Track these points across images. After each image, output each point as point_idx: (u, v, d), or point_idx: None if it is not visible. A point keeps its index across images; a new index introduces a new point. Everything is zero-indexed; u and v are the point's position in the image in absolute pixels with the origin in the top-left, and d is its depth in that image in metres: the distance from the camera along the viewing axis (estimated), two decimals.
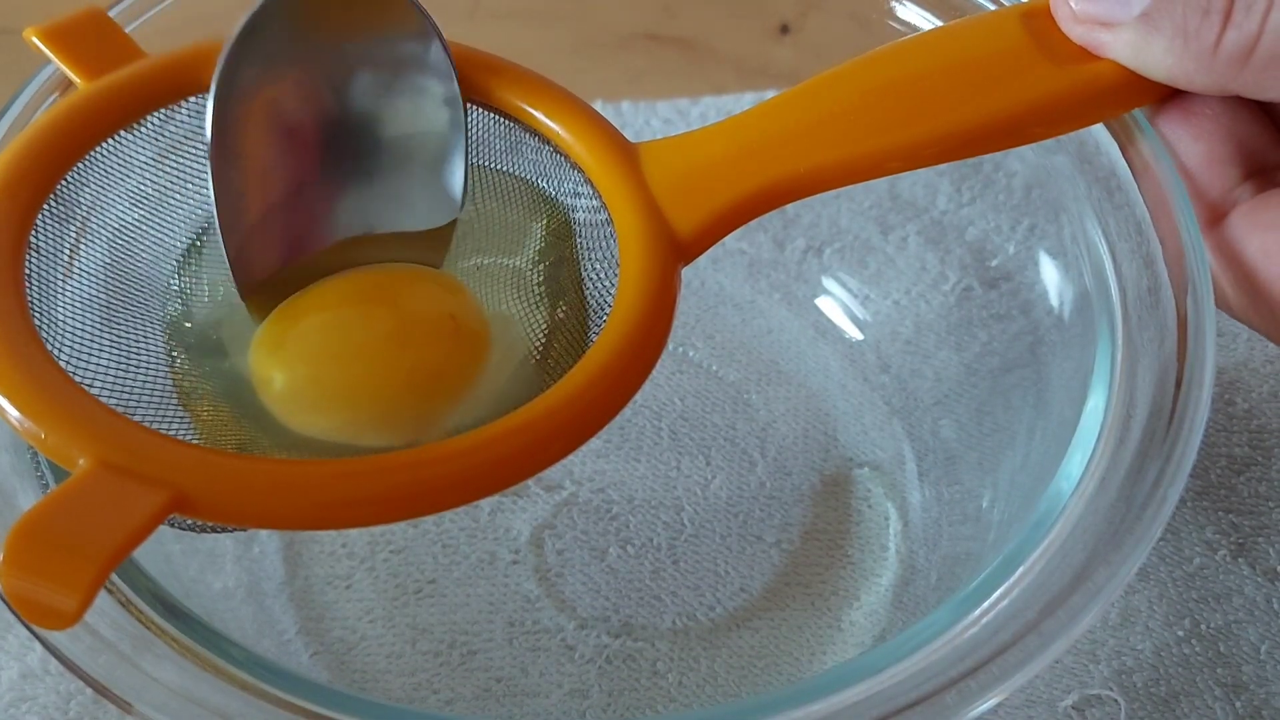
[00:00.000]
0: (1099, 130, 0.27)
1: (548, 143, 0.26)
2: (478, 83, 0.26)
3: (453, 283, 0.26)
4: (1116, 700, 0.30)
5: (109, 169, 0.25)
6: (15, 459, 0.23)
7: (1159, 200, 0.26)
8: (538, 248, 0.27)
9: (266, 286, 0.25)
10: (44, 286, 0.23)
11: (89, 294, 0.24)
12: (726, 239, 0.25)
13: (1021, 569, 0.22)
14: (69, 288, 0.24)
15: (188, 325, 0.25)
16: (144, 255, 0.25)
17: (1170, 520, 0.24)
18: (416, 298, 0.26)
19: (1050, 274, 0.31)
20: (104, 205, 0.25)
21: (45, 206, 0.23)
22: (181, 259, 0.26)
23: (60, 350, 0.22)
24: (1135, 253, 0.26)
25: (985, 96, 0.25)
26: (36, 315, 0.22)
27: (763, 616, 0.32)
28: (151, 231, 0.26)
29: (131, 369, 0.24)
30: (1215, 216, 0.26)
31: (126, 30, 0.26)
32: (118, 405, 0.22)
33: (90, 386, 0.22)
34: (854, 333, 0.37)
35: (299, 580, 0.33)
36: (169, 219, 0.26)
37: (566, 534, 0.33)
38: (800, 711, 0.21)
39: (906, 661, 0.21)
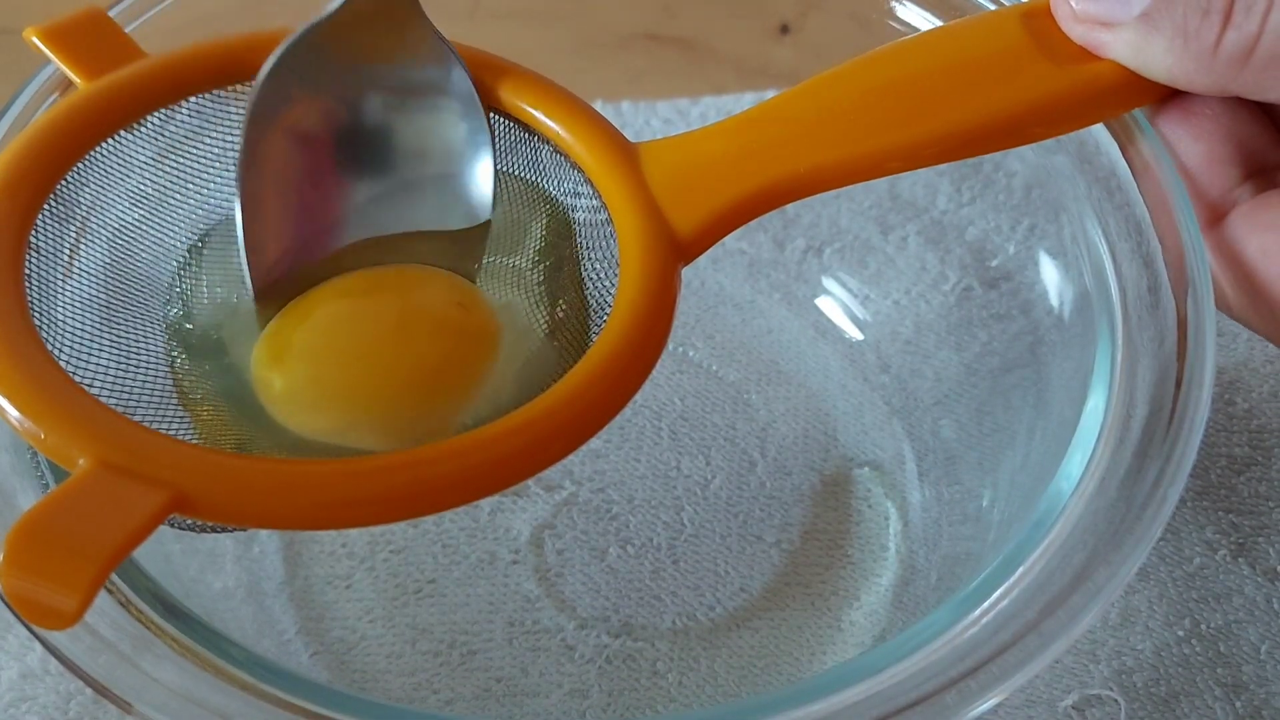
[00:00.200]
0: (1099, 130, 0.27)
1: (547, 142, 0.26)
2: (478, 83, 0.26)
3: (461, 283, 0.26)
4: (1116, 700, 0.30)
5: (109, 169, 0.25)
6: (15, 459, 0.23)
7: (1159, 200, 0.26)
8: (538, 248, 0.27)
9: (279, 289, 0.25)
10: (44, 286, 0.23)
11: (89, 294, 0.24)
12: (726, 239, 0.25)
13: (1021, 569, 0.22)
14: (69, 288, 0.24)
15: (188, 325, 0.25)
16: (144, 255, 0.25)
17: (1170, 520, 0.24)
18: (423, 297, 0.26)
19: (1050, 274, 0.31)
20: (104, 205, 0.25)
21: (45, 206, 0.23)
22: (183, 259, 0.26)
23: (60, 350, 0.22)
24: (1135, 253, 0.26)
25: (985, 96, 0.25)
26: (36, 315, 0.22)
27: (763, 616, 0.32)
28: (151, 231, 0.26)
29: (131, 369, 0.24)
30: (1215, 217, 0.26)
31: (126, 30, 0.26)
32: (118, 405, 0.22)
33: (90, 386, 0.22)
34: (854, 333, 0.37)
35: (299, 580, 0.33)
36: (169, 219, 0.26)
37: (566, 534, 0.33)
38: (800, 711, 0.21)
39: (906, 661, 0.21)
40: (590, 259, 0.25)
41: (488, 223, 0.26)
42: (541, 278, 0.27)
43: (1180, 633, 0.31)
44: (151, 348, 0.25)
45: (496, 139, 0.26)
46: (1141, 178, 0.26)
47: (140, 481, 0.19)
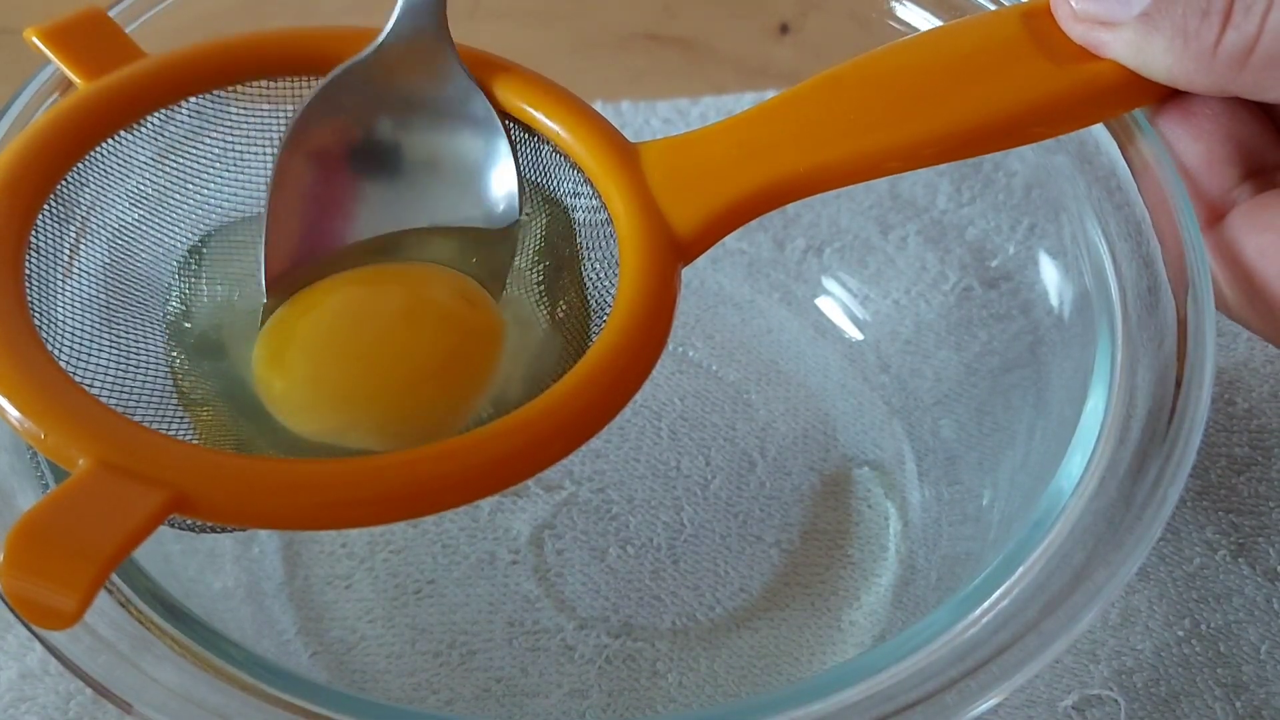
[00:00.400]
0: (1099, 130, 0.27)
1: (547, 142, 0.26)
2: (478, 82, 0.26)
3: (465, 280, 0.26)
4: (1116, 700, 0.30)
5: (109, 169, 0.25)
6: (15, 459, 0.23)
7: (1159, 200, 0.26)
8: (538, 248, 0.27)
9: (291, 285, 0.25)
10: (44, 286, 0.23)
11: (89, 294, 0.24)
12: (726, 239, 0.25)
13: (1021, 569, 0.22)
14: (69, 288, 0.24)
15: (188, 325, 0.25)
16: (144, 255, 0.25)
17: (1170, 520, 0.24)
18: (429, 294, 0.26)
19: (1050, 274, 0.31)
20: (104, 205, 0.25)
21: (45, 206, 0.23)
22: (183, 259, 0.26)
23: (60, 350, 0.22)
24: (1135, 253, 0.26)
25: (985, 96, 0.25)
26: (36, 315, 0.22)
27: (763, 616, 0.32)
28: (151, 231, 0.26)
29: (131, 369, 0.24)
30: (1214, 217, 0.26)
31: (126, 30, 0.26)
32: (118, 405, 0.23)
33: (90, 386, 0.22)
34: (854, 333, 0.37)
35: (298, 580, 0.33)
36: (169, 219, 0.26)
37: (566, 534, 0.33)
38: (800, 711, 0.21)
39: (906, 661, 0.21)
40: (590, 259, 0.25)
41: (513, 239, 0.27)
42: (541, 278, 0.27)
43: (1180, 633, 0.31)
44: (151, 348, 0.25)
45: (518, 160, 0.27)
46: (1141, 178, 0.26)
47: (140, 481, 0.19)
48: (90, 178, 0.24)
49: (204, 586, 0.31)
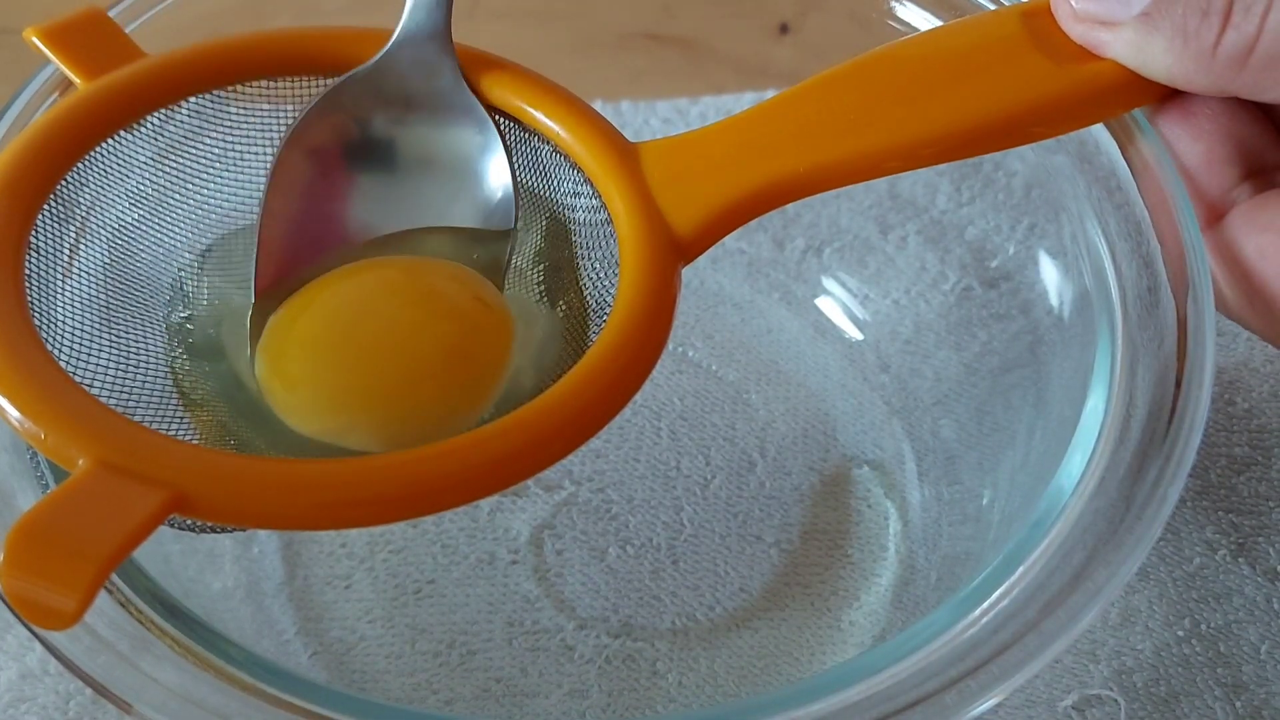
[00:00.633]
0: (1099, 130, 0.27)
1: (547, 142, 0.26)
2: (477, 82, 0.26)
3: (477, 277, 0.26)
4: (1116, 700, 0.30)
5: (109, 169, 0.25)
6: (15, 459, 0.23)
7: (1159, 200, 0.26)
8: (537, 247, 0.27)
9: (283, 290, 0.25)
10: (44, 286, 0.23)
11: (89, 294, 0.24)
12: (726, 239, 0.25)
13: (1021, 569, 0.22)
14: (69, 288, 0.24)
15: (188, 325, 0.25)
16: (144, 255, 0.25)
17: (1170, 520, 0.24)
18: (440, 291, 0.26)
19: (1050, 274, 0.31)
20: (104, 205, 0.25)
21: (45, 206, 0.23)
22: (186, 259, 0.26)
23: (60, 350, 0.22)
24: (1135, 253, 0.26)
25: (985, 96, 0.25)
26: (36, 315, 0.22)
27: (763, 616, 0.32)
28: (151, 231, 0.26)
29: (131, 369, 0.24)
30: (1213, 217, 0.26)
31: (126, 30, 0.26)
32: (118, 405, 0.23)
33: (90, 386, 0.22)
34: (854, 333, 0.37)
35: (298, 580, 0.33)
36: (169, 219, 0.26)
37: (566, 534, 0.33)
38: (800, 711, 0.21)
39: (906, 661, 0.21)
40: (590, 259, 0.25)
41: (510, 240, 0.27)
42: (541, 277, 0.27)
43: (1180, 633, 0.31)
44: (151, 348, 0.25)
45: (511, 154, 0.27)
46: (1141, 178, 0.26)
47: (140, 481, 0.19)
48: (90, 178, 0.24)
49: (204, 586, 0.31)
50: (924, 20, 0.30)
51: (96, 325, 0.24)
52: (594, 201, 0.25)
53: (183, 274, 0.26)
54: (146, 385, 0.24)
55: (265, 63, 0.26)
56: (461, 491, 0.21)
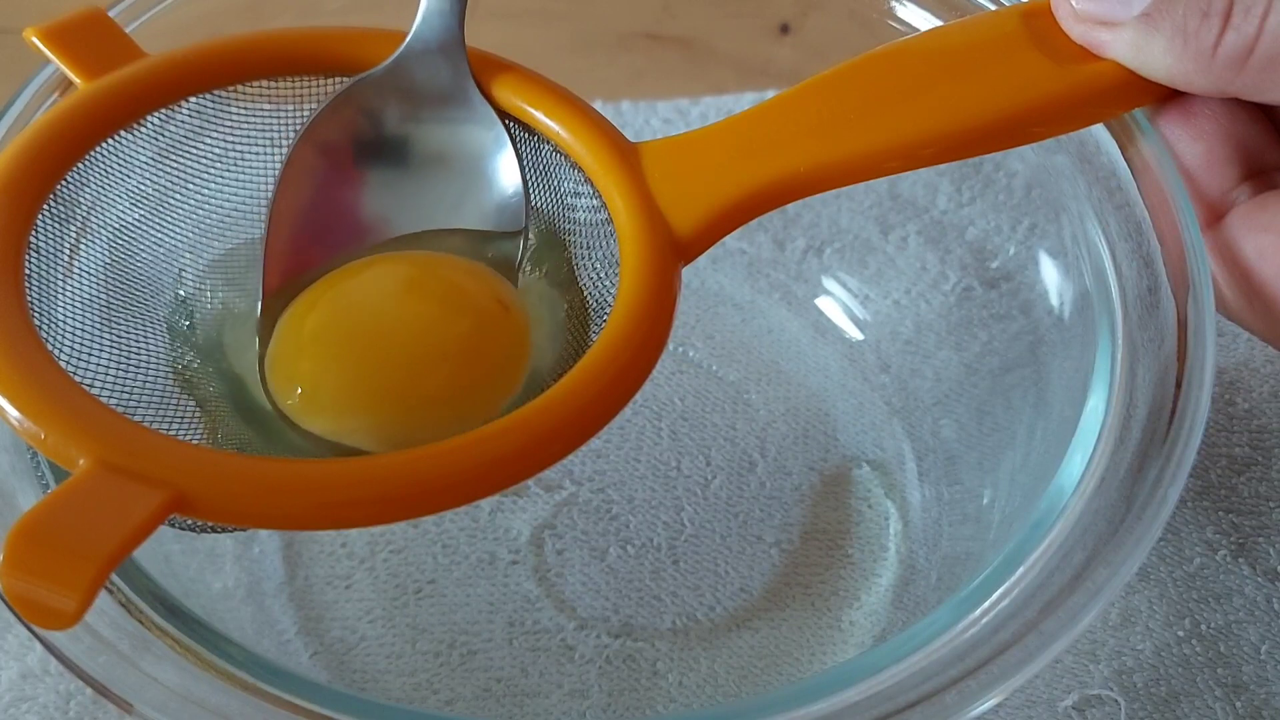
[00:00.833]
0: (1099, 130, 0.27)
1: (548, 142, 0.26)
2: (478, 82, 0.26)
3: (496, 276, 0.26)
4: (1116, 700, 0.30)
5: (109, 169, 0.25)
6: (15, 459, 0.23)
7: (1159, 200, 0.26)
8: (538, 247, 0.27)
9: (291, 290, 0.25)
10: (44, 286, 0.23)
11: (89, 294, 0.24)
12: (726, 239, 0.25)
13: (1022, 569, 0.22)
14: (69, 288, 0.24)
15: (189, 325, 0.25)
16: (144, 255, 0.25)
17: (1170, 520, 0.24)
18: (461, 291, 0.26)
19: (1050, 274, 0.31)
20: (104, 205, 0.25)
21: (45, 206, 0.23)
22: (185, 259, 0.26)
23: (60, 350, 0.22)
24: (1135, 253, 0.26)
25: (985, 96, 0.25)
26: (36, 315, 0.22)
27: (763, 616, 0.32)
28: (151, 231, 0.26)
29: (131, 369, 0.24)
30: (1213, 217, 0.26)
31: (126, 30, 0.26)
32: (118, 405, 0.23)
33: (90, 386, 0.22)
34: (854, 333, 0.37)
35: (299, 580, 0.33)
36: (169, 219, 0.26)
37: (566, 534, 0.33)
38: (800, 711, 0.21)
39: (906, 661, 0.21)
40: (590, 259, 0.25)
41: (520, 241, 0.26)
42: (542, 277, 0.27)
43: (1180, 633, 0.31)
44: (151, 348, 0.25)
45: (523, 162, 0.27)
46: (1141, 178, 0.26)
47: (140, 481, 0.19)
48: (90, 178, 0.24)
49: (204, 586, 0.31)
50: (924, 20, 0.30)
51: (97, 325, 0.24)
52: (594, 201, 0.25)
53: (183, 272, 0.26)
54: (146, 385, 0.24)
55: (265, 63, 0.26)
56: (462, 491, 0.21)
